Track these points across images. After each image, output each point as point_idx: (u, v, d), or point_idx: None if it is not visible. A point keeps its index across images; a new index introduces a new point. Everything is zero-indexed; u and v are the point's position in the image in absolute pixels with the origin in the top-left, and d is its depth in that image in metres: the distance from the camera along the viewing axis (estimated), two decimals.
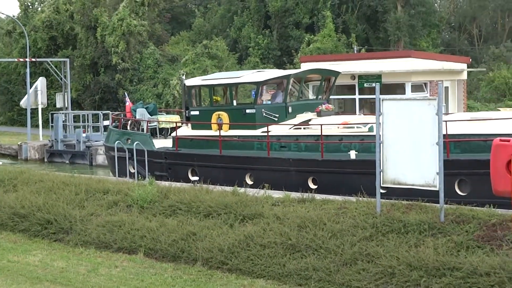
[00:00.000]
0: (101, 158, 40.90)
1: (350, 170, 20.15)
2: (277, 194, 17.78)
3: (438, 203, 14.28)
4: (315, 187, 20.57)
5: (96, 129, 45.50)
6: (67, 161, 43.14)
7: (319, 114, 23.89)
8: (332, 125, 21.85)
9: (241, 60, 67.23)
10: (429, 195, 14.89)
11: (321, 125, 21.18)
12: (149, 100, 53.01)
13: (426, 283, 11.72)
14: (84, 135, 43.17)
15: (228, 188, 18.71)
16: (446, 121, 18.75)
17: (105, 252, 15.89)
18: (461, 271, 11.61)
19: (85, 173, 27.40)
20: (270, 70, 31.82)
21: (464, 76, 40.51)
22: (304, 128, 22.70)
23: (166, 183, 20.48)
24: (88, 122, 45.49)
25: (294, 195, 17.39)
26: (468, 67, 42.03)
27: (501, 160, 12.97)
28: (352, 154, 20.20)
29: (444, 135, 18.09)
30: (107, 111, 48.09)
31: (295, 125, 23.07)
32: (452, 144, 18.54)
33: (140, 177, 22.64)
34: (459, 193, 18.27)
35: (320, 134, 20.95)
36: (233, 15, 73.34)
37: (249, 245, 14.24)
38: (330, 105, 25.14)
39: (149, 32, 61.75)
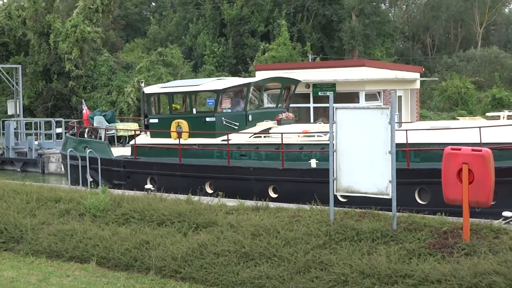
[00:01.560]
0: (53, 166, 40.56)
1: (311, 178, 20.15)
2: (231, 202, 17.77)
3: (402, 211, 14.52)
4: (276, 196, 20.56)
5: (48, 136, 45.03)
6: (19, 169, 42.64)
7: (279, 123, 23.97)
8: (292, 133, 21.89)
9: (196, 68, 67.23)
10: (390, 204, 15.08)
11: (282, 133, 21.21)
12: (103, 107, 52.62)
13: None
14: (36, 142, 42.71)
15: (182, 196, 18.65)
16: (406, 130, 18.96)
17: (56, 261, 15.69)
18: (413, 278, 11.72)
19: (36, 181, 27.09)
20: (230, 78, 31.78)
21: (417, 85, 40.91)
22: (264, 137, 22.70)
23: (120, 191, 20.36)
24: (40, 129, 45.03)
25: (248, 203, 17.39)
26: (421, 77, 42.45)
27: (452, 168, 13.15)
28: (313, 163, 20.23)
29: (404, 144, 18.32)
30: (60, 118, 47.62)
31: (255, 133, 23.07)
32: (412, 153, 18.68)
33: (93, 185, 22.44)
34: (420, 201, 18.40)
35: (280, 142, 20.97)
36: (188, 23, 73.36)
37: (202, 254, 14.21)
38: (290, 114, 25.22)
39: (103, 39, 61.33)
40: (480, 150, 13.05)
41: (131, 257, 14.82)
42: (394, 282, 11.84)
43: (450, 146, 13.67)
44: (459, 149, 13.27)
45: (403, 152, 18.66)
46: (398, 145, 18.25)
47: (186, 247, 14.53)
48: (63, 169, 38.27)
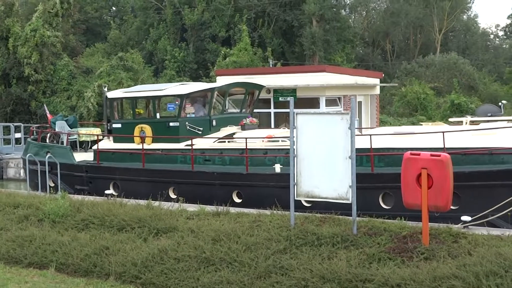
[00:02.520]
0: (12, 172, 40.09)
1: (275, 183, 20.08)
2: (192, 208, 17.73)
3: (366, 216, 14.61)
4: (240, 200, 20.49)
5: (7, 141, 44.46)
6: None
7: (243, 128, 23.90)
8: (256, 138, 21.85)
9: (157, 72, 67.05)
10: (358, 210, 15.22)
11: (246, 138, 21.16)
12: (63, 112, 52.16)
13: None
14: None
15: (142, 202, 18.57)
16: (370, 135, 19.05)
17: (15, 268, 15.49)
18: (373, 282, 11.77)
19: None
20: (193, 83, 31.58)
21: (377, 91, 41.23)
22: (228, 142, 22.61)
23: (80, 197, 20.19)
24: None
25: (209, 208, 17.37)
26: (381, 82, 42.79)
27: (411, 173, 13.24)
28: (277, 168, 20.17)
29: (368, 149, 18.42)
30: (19, 123, 47.07)
31: (219, 138, 22.97)
32: (376, 157, 18.73)
33: (52, 191, 22.20)
34: (384, 206, 18.45)
35: (244, 147, 20.92)
36: (149, 28, 73.13)
37: (163, 259, 14.13)
38: (254, 119, 25.20)
39: (63, 44, 60.69)
40: (439, 155, 13.16)
41: (91, 263, 14.69)
42: (354, 286, 11.88)
43: (409, 151, 13.78)
44: (418, 154, 13.38)
45: (367, 157, 18.74)
46: (362, 150, 18.39)
47: (146, 252, 14.45)
48: (22, 174, 37.86)
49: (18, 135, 44.19)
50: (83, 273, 14.60)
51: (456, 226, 14.28)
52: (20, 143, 43.77)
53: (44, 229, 16.91)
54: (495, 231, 14.03)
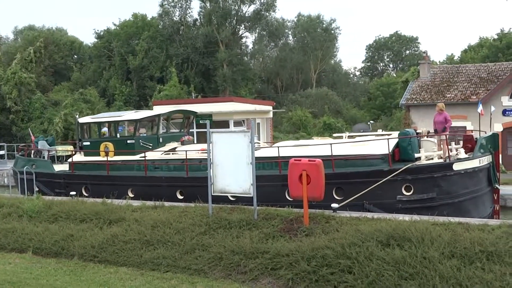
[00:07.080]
0: None
1: (207, 184, 19.83)
2: (136, 203, 17.45)
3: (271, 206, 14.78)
4: (182, 197, 20.18)
5: None
6: None
7: (183, 143, 23.62)
8: (193, 151, 21.62)
9: (109, 104, 66.02)
10: (270, 201, 15.45)
11: (186, 151, 20.93)
12: (37, 134, 50.69)
13: (245, 263, 11.87)
14: None
15: (99, 200, 18.18)
16: (278, 147, 19.03)
17: (0, 253, 14.95)
18: (269, 253, 11.84)
19: None
20: (144, 110, 30.88)
21: (271, 115, 41.63)
22: (172, 154, 22.28)
23: (50, 197, 19.60)
24: None
25: (149, 203, 17.12)
26: (273, 109, 43.23)
27: (295, 174, 13.37)
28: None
29: (276, 157, 18.45)
30: (3, 143, 45.59)
31: (165, 151, 22.62)
32: (282, 163, 18.58)
33: (28, 193, 21.42)
34: (288, 198, 18.30)
35: (185, 157, 20.66)
36: (102, 70, 72.09)
37: (114, 242, 13.88)
38: (190, 137, 25.01)
39: (36, 83, 59.34)
40: (315, 161, 13.33)
41: (60, 247, 14.32)
42: (256, 257, 11.94)
43: (293, 158, 13.93)
44: (300, 160, 13.54)
45: (276, 163, 18.64)
46: (273, 158, 18.45)
47: (102, 237, 14.18)
48: (6, 181, 36.48)
49: (1, 152, 42.72)
50: (54, 255, 14.22)
51: (328, 211, 14.47)
52: (3, 158, 42.29)
53: (23, 222, 16.37)
54: (355, 214, 14.29)
